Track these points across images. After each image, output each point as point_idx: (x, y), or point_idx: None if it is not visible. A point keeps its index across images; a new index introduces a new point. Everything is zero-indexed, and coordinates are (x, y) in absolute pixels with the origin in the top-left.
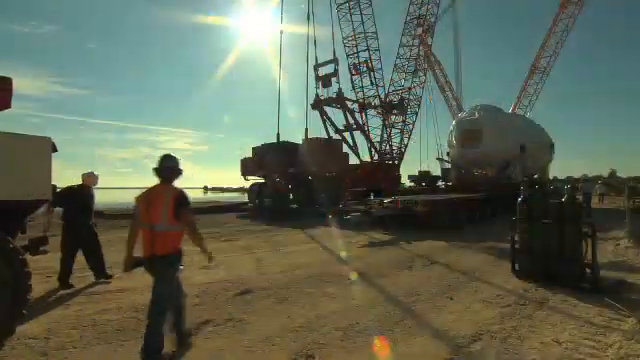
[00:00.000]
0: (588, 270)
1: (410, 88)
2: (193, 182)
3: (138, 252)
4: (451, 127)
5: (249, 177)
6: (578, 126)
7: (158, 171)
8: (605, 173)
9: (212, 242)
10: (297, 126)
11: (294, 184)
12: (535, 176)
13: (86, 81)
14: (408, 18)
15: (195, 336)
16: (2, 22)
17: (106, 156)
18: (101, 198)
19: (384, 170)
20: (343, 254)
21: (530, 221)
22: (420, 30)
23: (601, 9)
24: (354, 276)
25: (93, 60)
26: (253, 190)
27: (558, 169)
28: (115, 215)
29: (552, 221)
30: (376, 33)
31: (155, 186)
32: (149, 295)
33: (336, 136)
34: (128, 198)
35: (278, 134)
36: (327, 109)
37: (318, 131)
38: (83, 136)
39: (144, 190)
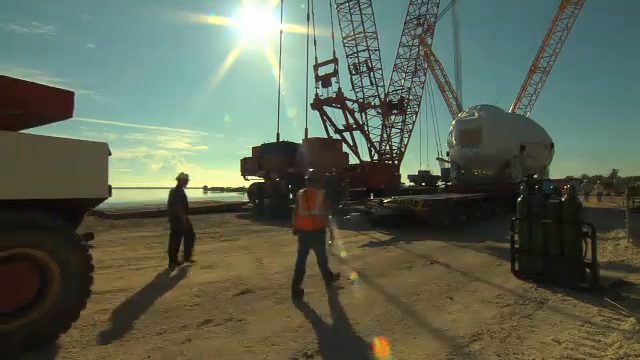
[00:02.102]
0: (588, 270)
1: (410, 88)
2: (193, 182)
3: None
4: (451, 127)
5: (249, 177)
6: (578, 126)
7: (309, 180)
8: (606, 173)
9: (212, 242)
10: (297, 126)
11: (294, 184)
12: (535, 176)
13: (86, 81)
14: (408, 18)
15: (195, 336)
16: (2, 22)
17: None
18: None
19: (384, 170)
20: (343, 254)
21: (530, 221)
22: (420, 30)
23: (601, 9)
24: (354, 276)
25: (93, 60)
26: (253, 190)
27: (558, 169)
28: (116, 215)
29: (552, 221)
30: (376, 33)
31: (309, 188)
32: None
33: (336, 136)
34: (128, 198)
35: (278, 134)
36: (327, 109)
37: (318, 131)
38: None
39: (302, 190)
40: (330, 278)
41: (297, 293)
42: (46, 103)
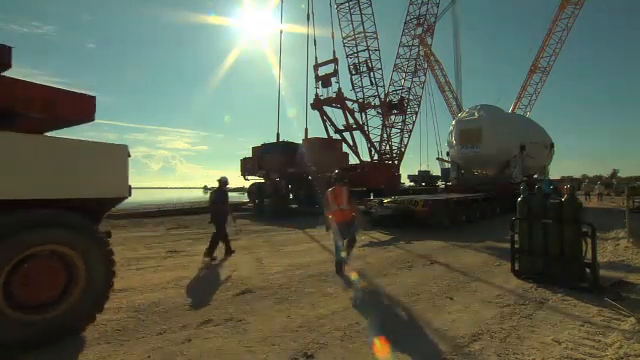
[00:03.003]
0: (588, 270)
1: (410, 88)
2: (193, 182)
3: None
4: (451, 127)
5: (249, 177)
6: (578, 126)
7: (336, 179)
8: (607, 173)
9: None
10: (297, 126)
11: (294, 184)
12: (535, 176)
13: (86, 81)
14: (408, 18)
15: (196, 336)
16: (2, 22)
17: None
18: None
19: (384, 170)
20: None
21: (530, 221)
22: (420, 30)
23: (601, 9)
24: (354, 276)
25: (93, 60)
26: (253, 190)
27: (558, 169)
28: (116, 215)
29: (552, 221)
30: (376, 33)
31: (337, 186)
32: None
33: (336, 136)
34: (128, 198)
35: (278, 134)
36: (327, 109)
37: (318, 131)
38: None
39: (331, 189)
40: (347, 259)
41: (340, 272)
42: (70, 107)
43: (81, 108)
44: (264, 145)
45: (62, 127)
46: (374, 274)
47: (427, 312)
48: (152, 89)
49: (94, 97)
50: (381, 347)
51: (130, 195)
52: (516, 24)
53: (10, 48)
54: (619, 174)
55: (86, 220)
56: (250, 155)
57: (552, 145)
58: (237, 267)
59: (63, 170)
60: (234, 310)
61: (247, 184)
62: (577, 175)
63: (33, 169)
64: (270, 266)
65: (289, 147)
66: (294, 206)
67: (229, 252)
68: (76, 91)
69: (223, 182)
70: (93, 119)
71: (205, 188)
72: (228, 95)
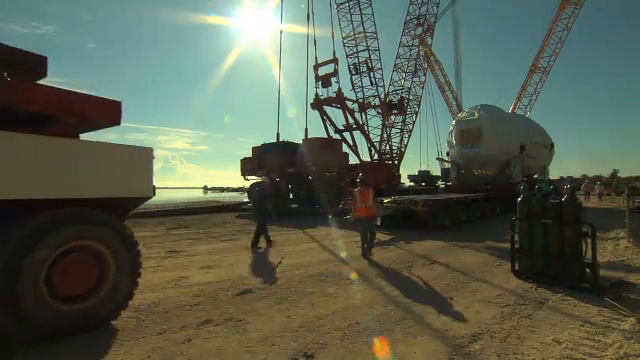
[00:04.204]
0: (588, 270)
1: (410, 88)
2: (193, 182)
3: None
4: (451, 127)
5: (249, 177)
6: (578, 126)
7: (361, 181)
8: (607, 173)
9: (213, 242)
10: (297, 126)
11: (294, 184)
12: (535, 176)
13: (86, 81)
14: (408, 18)
15: (195, 336)
16: (2, 22)
17: None
18: None
19: (384, 170)
20: (343, 254)
21: (530, 221)
22: (420, 30)
23: (601, 9)
24: (354, 276)
25: (93, 60)
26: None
27: (558, 169)
28: None
29: (552, 221)
30: (376, 33)
31: (363, 186)
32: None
33: (336, 136)
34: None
35: (278, 134)
36: (327, 109)
37: (318, 131)
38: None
39: (358, 188)
40: (369, 251)
41: (365, 256)
42: (100, 112)
43: (110, 112)
44: (264, 145)
45: (92, 130)
46: (374, 274)
47: (427, 312)
48: (152, 89)
49: (120, 102)
50: (381, 347)
51: (154, 194)
52: (516, 24)
53: (46, 58)
54: (619, 174)
55: (119, 220)
56: (250, 155)
57: (552, 145)
58: (237, 267)
59: (99, 171)
60: (234, 310)
61: (247, 184)
62: (577, 175)
63: (73, 170)
64: (270, 266)
65: (289, 147)
66: (294, 206)
67: (269, 243)
68: (106, 97)
69: (265, 180)
70: (119, 123)
71: (205, 188)
72: (228, 95)
